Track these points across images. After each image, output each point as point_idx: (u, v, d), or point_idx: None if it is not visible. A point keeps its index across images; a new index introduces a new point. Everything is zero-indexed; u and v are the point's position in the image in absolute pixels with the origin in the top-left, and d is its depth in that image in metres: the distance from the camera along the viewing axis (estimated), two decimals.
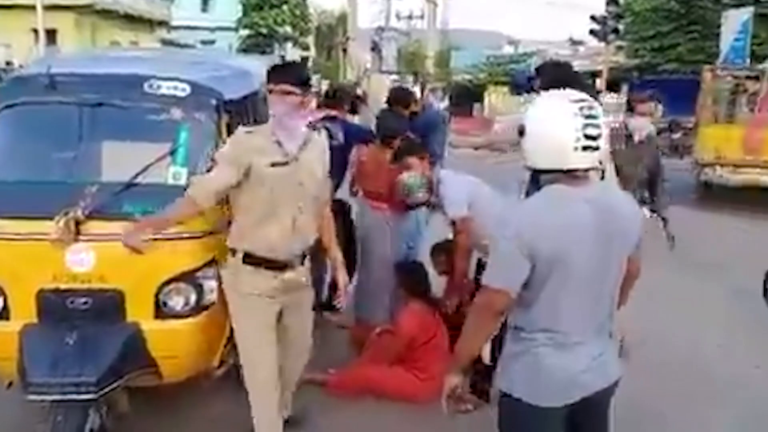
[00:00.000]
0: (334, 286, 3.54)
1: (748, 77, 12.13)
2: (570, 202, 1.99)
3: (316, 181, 3.02)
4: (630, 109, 4.75)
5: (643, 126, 4.52)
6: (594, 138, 1.94)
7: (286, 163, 2.87)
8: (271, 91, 2.86)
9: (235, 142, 2.92)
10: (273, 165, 2.85)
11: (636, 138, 4.50)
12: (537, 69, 4.69)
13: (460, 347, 2.20)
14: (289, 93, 2.84)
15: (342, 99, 5.09)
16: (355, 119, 7.26)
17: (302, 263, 3.09)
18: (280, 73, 2.92)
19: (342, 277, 3.29)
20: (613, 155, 4.01)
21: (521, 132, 2.04)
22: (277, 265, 2.97)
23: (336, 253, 3.29)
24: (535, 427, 2.10)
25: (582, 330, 2.06)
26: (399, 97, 5.25)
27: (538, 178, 2.08)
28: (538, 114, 2.02)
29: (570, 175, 1.98)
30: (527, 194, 2.28)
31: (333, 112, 4.79)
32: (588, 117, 1.94)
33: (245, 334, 3.06)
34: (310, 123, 5.08)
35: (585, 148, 1.93)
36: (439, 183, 3.92)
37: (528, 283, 1.99)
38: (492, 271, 2.04)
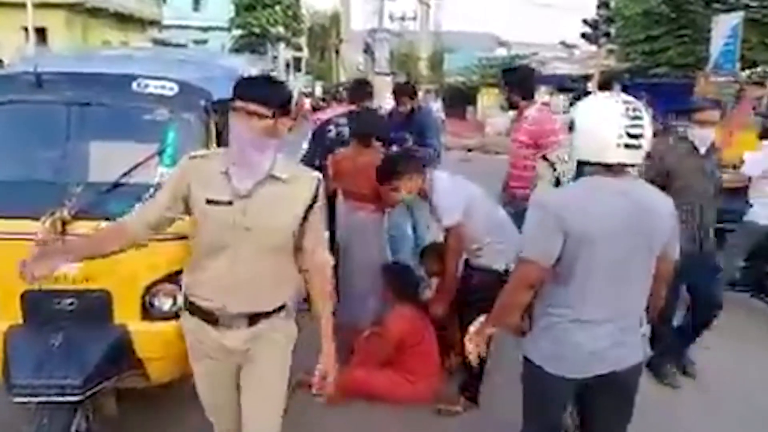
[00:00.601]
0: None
1: (755, 83, 12.55)
2: (605, 192, 2.19)
3: (278, 229, 2.31)
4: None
5: (707, 136, 4.06)
6: (637, 137, 2.14)
7: (229, 203, 2.24)
8: (234, 110, 2.19)
9: (180, 165, 2.41)
10: (209, 202, 2.26)
11: (702, 150, 4.06)
12: (504, 71, 4.80)
13: (493, 314, 2.44)
14: (257, 115, 2.16)
15: (368, 93, 5.16)
16: None
17: (253, 325, 2.41)
18: (250, 87, 2.23)
19: (329, 362, 2.66)
20: (670, 170, 3.92)
21: (570, 127, 2.24)
22: (215, 321, 2.41)
23: (327, 324, 2.60)
24: (548, 391, 2.38)
25: (604, 312, 2.24)
26: (404, 89, 5.54)
27: (582, 170, 2.27)
28: (587, 111, 2.23)
29: (611, 169, 2.18)
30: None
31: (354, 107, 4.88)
32: (633, 118, 2.13)
33: (198, 387, 2.65)
34: (328, 120, 5.12)
35: (627, 146, 2.13)
36: (432, 190, 3.75)
37: (558, 260, 2.19)
38: (527, 244, 2.26)
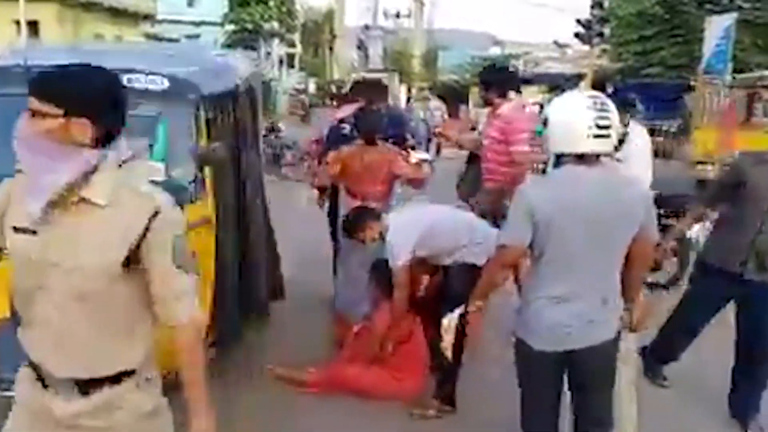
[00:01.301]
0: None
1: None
2: (577, 180, 2.37)
3: (89, 269, 1.67)
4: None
5: None
6: (605, 128, 2.32)
7: (33, 232, 1.67)
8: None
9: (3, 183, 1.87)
10: (16, 230, 1.72)
11: None
12: (482, 70, 4.94)
13: (475, 291, 2.77)
14: (40, 113, 1.65)
15: (383, 92, 5.24)
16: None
17: (87, 394, 1.77)
18: (39, 81, 1.71)
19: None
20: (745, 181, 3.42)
21: (545, 122, 2.41)
22: (44, 382, 1.81)
23: (197, 396, 1.96)
24: (532, 363, 2.58)
25: (572, 291, 2.43)
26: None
27: (558, 162, 2.45)
28: (558, 106, 2.43)
29: (583, 158, 2.35)
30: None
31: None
32: (600, 110, 2.31)
33: None
34: (342, 119, 5.15)
35: (597, 136, 2.31)
36: (387, 231, 3.76)
37: (532, 244, 2.41)
38: (503, 230, 2.56)
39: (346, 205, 4.54)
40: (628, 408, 2.96)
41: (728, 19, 16.30)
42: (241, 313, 3.91)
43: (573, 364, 2.55)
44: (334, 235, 4.98)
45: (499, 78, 4.75)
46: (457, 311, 3.58)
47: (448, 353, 3.59)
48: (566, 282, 2.44)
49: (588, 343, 2.49)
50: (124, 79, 3.13)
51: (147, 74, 3.20)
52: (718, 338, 3.93)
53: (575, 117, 2.33)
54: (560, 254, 2.40)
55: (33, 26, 23.51)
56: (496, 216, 4.19)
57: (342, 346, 4.21)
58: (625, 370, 2.81)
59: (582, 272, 2.43)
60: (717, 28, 16.43)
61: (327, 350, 4.36)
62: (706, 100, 12.67)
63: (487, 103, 4.74)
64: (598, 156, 2.38)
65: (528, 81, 25.46)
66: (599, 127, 2.31)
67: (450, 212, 3.94)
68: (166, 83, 3.19)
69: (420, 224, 3.73)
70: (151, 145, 3.07)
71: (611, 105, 2.37)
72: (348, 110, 5.29)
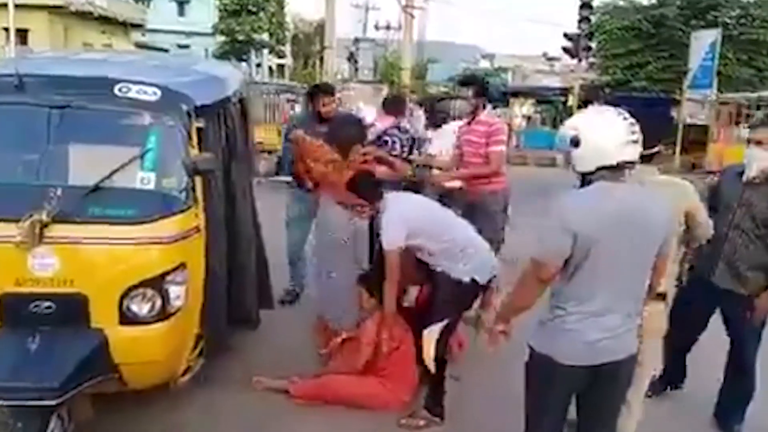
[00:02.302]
0: None
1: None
2: (610, 196, 2.40)
3: None
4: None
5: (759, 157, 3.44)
6: (635, 133, 2.40)
7: None
8: None
9: None
10: None
11: (751, 174, 3.47)
12: (464, 82, 5.24)
13: (503, 311, 2.69)
14: None
15: (404, 105, 5.30)
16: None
17: None
18: None
19: None
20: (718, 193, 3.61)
21: (576, 143, 2.43)
22: None
23: None
24: (555, 379, 2.52)
25: (605, 306, 2.42)
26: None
27: (586, 179, 2.47)
28: (591, 124, 2.45)
29: (614, 172, 2.40)
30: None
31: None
32: (627, 119, 2.41)
33: None
34: (380, 136, 5.20)
35: (631, 142, 2.39)
36: (383, 210, 3.75)
37: (568, 260, 2.38)
38: (540, 246, 2.45)
39: (332, 212, 4.50)
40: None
41: (713, 34, 16.56)
42: (230, 322, 3.92)
43: (597, 378, 2.50)
44: None
45: (484, 87, 5.18)
46: (439, 324, 3.60)
47: (431, 366, 3.61)
48: (601, 297, 2.42)
49: (616, 357, 2.48)
50: (116, 89, 3.16)
51: (139, 84, 3.21)
52: (710, 349, 3.98)
53: (610, 129, 2.39)
54: (597, 270, 2.38)
55: (22, 34, 23.41)
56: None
57: (329, 355, 4.21)
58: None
59: (617, 286, 2.43)
60: (702, 44, 16.69)
61: (315, 359, 4.36)
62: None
63: (474, 109, 4.99)
64: (627, 163, 2.42)
65: (516, 94, 25.67)
66: (632, 132, 2.40)
67: (448, 212, 4.00)
68: (158, 93, 3.20)
69: (418, 209, 3.80)
70: (142, 155, 3.10)
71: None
72: (387, 122, 5.63)
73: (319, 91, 5.34)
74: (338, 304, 4.34)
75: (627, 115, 2.43)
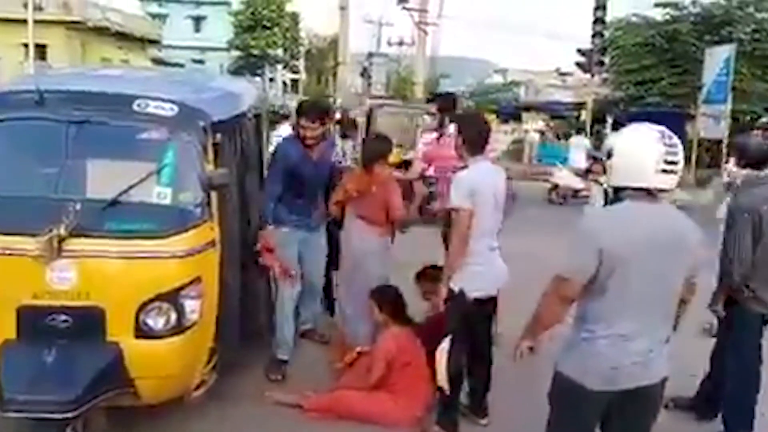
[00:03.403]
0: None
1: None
2: (641, 215, 2.34)
3: None
4: None
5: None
6: (673, 163, 2.30)
7: None
8: None
9: None
10: None
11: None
12: (433, 97, 5.42)
13: (528, 328, 2.58)
14: None
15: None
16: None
17: None
18: None
19: None
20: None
21: (609, 154, 2.38)
22: None
23: None
24: (582, 404, 2.45)
25: (635, 328, 2.35)
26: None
27: (619, 195, 2.41)
28: (626, 139, 2.39)
29: (647, 193, 2.33)
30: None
31: None
32: (670, 146, 2.30)
33: None
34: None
35: (665, 171, 2.29)
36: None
37: (594, 278, 2.32)
38: (566, 263, 2.38)
39: (356, 230, 4.53)
40: None
41: (727, 50, 16.51)
42: (242, 337, 3.93)
43: (626, 403, 2.42)
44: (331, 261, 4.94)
45: (451, 103, 5.37)
46: (446, 340, 3.58)
47: (444, 384, 3.59)
48: (631, 319, 2.35)
49: (647, 382, 2.40)
50: (134, 104, 3.21)
51: (156, 100, 3.25)
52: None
53: (644, 151, 2.30)
54: (624, 290, 2.32)
55: (41, 50, 23.79)
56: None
57: (343, 369, 4.21)
58: None
59: (646, 309, 2.36)
60: (716, 59, 16.64)
61: (327, 374, 4.36)
62: None
63: (440, 125, 5.18)
64: (661, 191, 2.35)
65: (529, 108, 25.66)
66: (667, 162, 2.29)
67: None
68: (175, 109, 3.24)
69: (481, 178, 3.59)
70: (159, 170, 3.14)
71: (678, 141, 2.35)
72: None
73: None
74: (358, 318, 4.35)
75: (673, 141, 2.31)
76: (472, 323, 3.65)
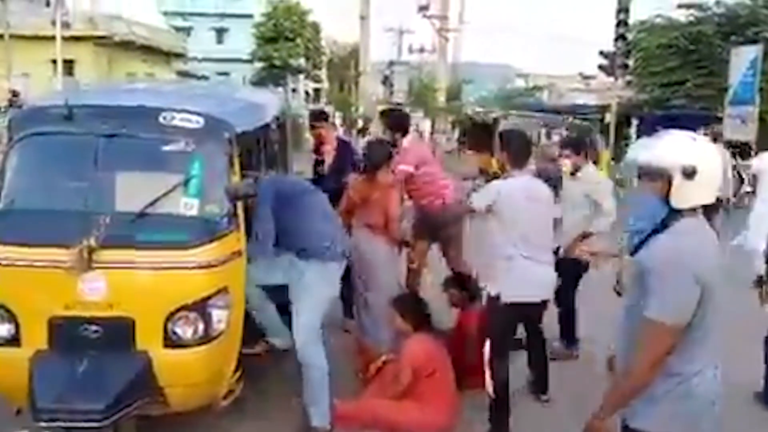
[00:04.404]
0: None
1: None
2: (708, 236, 2.15)
3: None
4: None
5: None
6: (731, 168, 2.29)
7: None
8: None
9: None
10: None
11: None
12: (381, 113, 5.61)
13: (622, 390, 2.14)
14: None
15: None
16: None
17: None
18: None
19: None
20: None
21: (692, 173, 2.04)
22: None
23: None
24: None
25: (712, 361, 2.16)
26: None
27: (675, 216, 2.10)
28: (711, 157, 2.12)
29: (696, 209, 2.14)
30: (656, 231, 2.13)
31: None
32: (724, 155, 2.21)
33: None
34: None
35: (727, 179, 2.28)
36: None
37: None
38: (665, 305, 2.01)
39: (365, 238, 4.54)
40: None
41: (754, 50, 16.23)
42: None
43: None
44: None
45: (397, 118, 5.42)
46: (487, 345, 3.61)
47: (489, 389, 3.61)
48: (710, 353, 2.13)
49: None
50: (161, 117, 3.26)
51: (182, 113, 3.30)
52: None
53: (719, 162, 2.18)
54: (709, 322, 2.07)
55: (69, 65, 24.25)
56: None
57: (369, 378, 4.21)
58: None
59: (716, 339, 2.14)
60: (743, 60, 16.37)
61: (352, 383, 4.36)
62: None
63: (393, 143, 5.06)
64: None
65: (552, 112, 25.47)
66: (731, 167, 2.27)
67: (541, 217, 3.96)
68: (201, 121, 3.29)
69: (507, 191, 3.82)
70: (186, 181, 3.18)
71: None
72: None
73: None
74: (376, 326, 4.36)
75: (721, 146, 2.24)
76: (513, 327, 3.83)
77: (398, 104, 26.26)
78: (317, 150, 5.82)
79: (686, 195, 2.08)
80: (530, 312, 3.90)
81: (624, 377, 2.12)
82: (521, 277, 3.71)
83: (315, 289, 3.61)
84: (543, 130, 11.31)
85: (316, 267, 3.64)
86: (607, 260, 4.75)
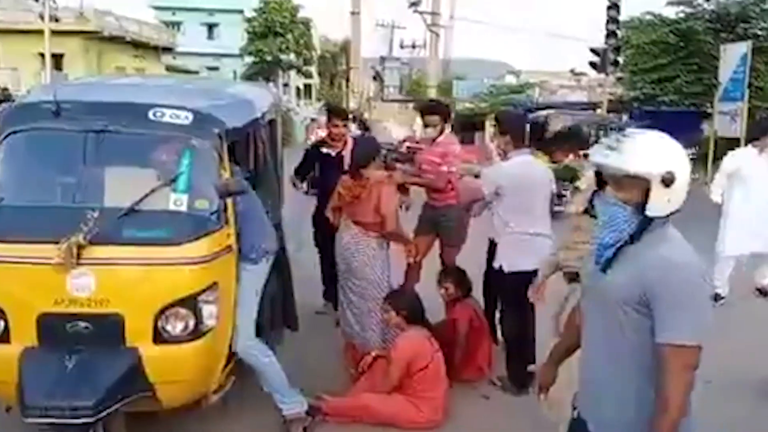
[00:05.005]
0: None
1: None
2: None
3: None
4: None
5: None
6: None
7: None
8: None
9: None
10: None
11: None
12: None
13: (669, 415, 1.86)
14: None
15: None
16: None
17: None
18: None
19: None
20: None
21: (671, 181, 1.86)
22: None
23: None
24: None
25: None
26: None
27: (648, 224, 1.93)
28: (683, 160, 1.94)
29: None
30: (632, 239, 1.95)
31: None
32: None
33: None
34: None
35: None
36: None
37: None
38: (696, 326, 1.86)
39: (352, 234, 4.47)
40: None
41: (744, 47, 16.33)
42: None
43: None
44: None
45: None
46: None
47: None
48: None
49: None
50: (150, 113, 3.24)
51: (172, 109, 3.29)
52: None
53: (688, 164, 1.97)
54: None
55: (57, 59, 24.11)
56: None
57: (359, 374, 4.22)
58: None
59: None
60: (732, 56, 16.46)
61: (343, 378, 4.37)
62: None
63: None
64: None
65: (544, 109, 25.55)
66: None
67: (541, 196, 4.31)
68: (191, 117, 3.28)
69: (510, 175, 4.22)
70: (175, 178, 3.17)
71: None
72: None
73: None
74: (362, 326, 4.35)
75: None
76: (519, 293, 4.01)
77: (390, 100, 26.26)
78: (320, 144, 5.79)
79: (664, 203, 1.91)
80: (526, 278, 4.01)
81: (660, 416, 1.86)
82: (522, 248, 4.10)
83: (245, 292, 3.51)
84: (594, 128, 11.94)
85: (244, 270, 3.52)
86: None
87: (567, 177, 4.32)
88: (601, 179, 2.03)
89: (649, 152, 1.89)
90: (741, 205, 6.10)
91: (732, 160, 6.33)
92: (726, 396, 4.09)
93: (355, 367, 4.31)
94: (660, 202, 1.89)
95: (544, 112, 14.42)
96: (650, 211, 1.90)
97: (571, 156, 4.19)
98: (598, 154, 1.95)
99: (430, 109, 5.14)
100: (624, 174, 1.89)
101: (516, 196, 4.13)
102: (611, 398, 1.99)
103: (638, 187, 1.89)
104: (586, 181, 3.40)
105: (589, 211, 3.08)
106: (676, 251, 1.91)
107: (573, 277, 3.33)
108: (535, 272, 3.90)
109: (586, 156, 3.30)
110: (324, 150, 5.62)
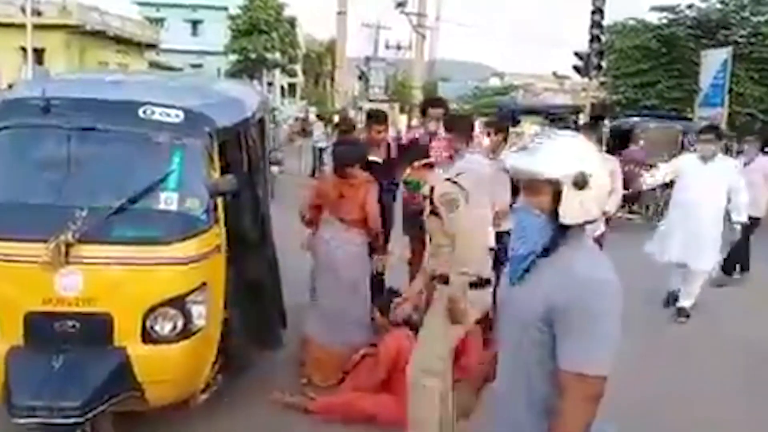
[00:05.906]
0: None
1: None
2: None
3: None
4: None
5: None
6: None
7: None
8: None
9: None
10: None
11: None
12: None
13: None
14: None
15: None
16: None
17: None
18: None
19: None
20: None
21: (584, 184, 1.73)
22: None
23: None
24: None
25: None
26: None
27: (563, 233, 1.78)
28: (599, 161, 1.80)
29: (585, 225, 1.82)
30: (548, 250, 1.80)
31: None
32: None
33: None
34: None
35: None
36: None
37: None
38: (600, 356, 1.69)
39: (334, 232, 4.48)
40: None
41: (724, 53, 16.56)
42: (248, 340, 3.95)
43: None
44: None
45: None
46: None
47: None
48: None
49: None
50: (140, 111, 3.22)
51: (162, 107, 3.27)
52: None
53: (606, 168, 1.83)
54: None
55: (39, 53, 23.81)
56: None
57: (346, 373, 4.23)
58: None
59: None
60: (713, 62, 16.69)
61: (323, 375, 4.36)
62: None
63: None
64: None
65: (528, 111, 25.72)
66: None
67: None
68: (181, 116, 3.26)
69: (470, 166, 4.10)
70: (165, 176, 3.16)
71: None
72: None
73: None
74: (339, 326, 4.33)
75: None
76: None
77: (375, 100, 26.23)
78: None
79: (577, 208, 1.75)
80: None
81: None
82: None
83: None
84: (680, 136, 12.56)
85: None
86: None
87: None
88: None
89: (560, 153, 1.75)
90: (679, 212, 6.09)
91: (675, 162, 6.43)
92: None
93: (320, 373, 4.29)
94: (572, 208, 1.74)
95: (631, 121, 14.75)
96: (563, 218, 1.74)
97: None
98: (511, 157, 1.84)
99: (434, 101, 5.64)
100: (534, 177, 1.76)
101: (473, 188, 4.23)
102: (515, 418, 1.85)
103: (550, 191, 1.75)
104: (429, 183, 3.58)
105: (434, 210, 3.43)
106: (587, 267, 1.74)
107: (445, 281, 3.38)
108: None
109: None
110: (371, 158, 5.23)
